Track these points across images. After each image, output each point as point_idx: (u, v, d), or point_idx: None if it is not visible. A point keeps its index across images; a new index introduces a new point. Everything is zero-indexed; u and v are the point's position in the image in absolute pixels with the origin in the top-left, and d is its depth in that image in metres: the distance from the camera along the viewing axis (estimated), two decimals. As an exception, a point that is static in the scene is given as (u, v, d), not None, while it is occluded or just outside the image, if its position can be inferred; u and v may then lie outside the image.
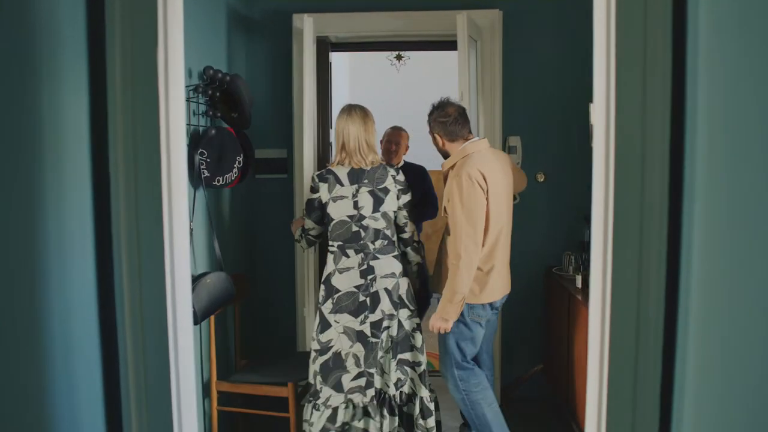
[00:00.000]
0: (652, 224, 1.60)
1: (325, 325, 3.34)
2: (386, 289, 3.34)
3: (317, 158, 4.48)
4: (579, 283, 3.73)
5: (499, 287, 3.46)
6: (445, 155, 3.48)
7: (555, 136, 4.42)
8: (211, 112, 3.58)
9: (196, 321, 3.35)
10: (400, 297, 3.37)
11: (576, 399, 3.67)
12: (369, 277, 3.33)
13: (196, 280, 3.38)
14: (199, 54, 3.60)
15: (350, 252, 3.35)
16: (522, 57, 4.37)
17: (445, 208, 3.36)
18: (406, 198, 3.42)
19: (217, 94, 3.61)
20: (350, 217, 3.33)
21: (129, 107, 1.72)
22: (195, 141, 3.46)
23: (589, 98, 4.08)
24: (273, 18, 4.41)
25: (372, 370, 3.36)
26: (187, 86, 3.37)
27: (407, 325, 3.39)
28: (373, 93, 8.23)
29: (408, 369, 3.43)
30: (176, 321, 1.72)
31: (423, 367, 3.43)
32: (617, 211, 1.61)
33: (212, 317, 3.56)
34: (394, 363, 3.39)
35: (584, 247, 4.14)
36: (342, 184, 3.35)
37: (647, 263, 1.62)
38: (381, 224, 3.35)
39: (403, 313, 3.39)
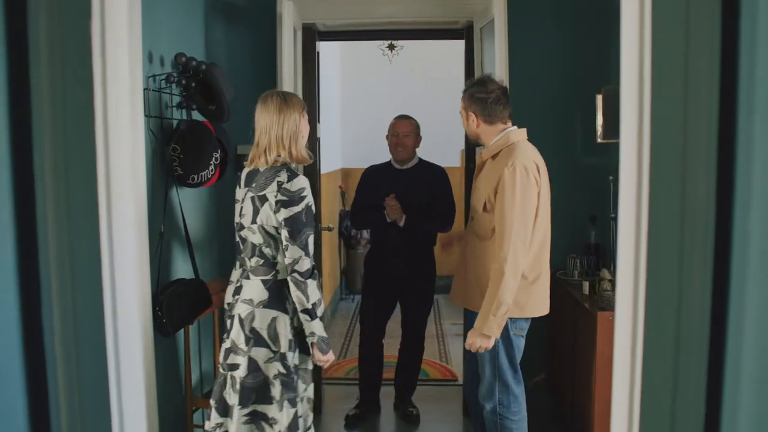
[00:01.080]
0: (695, 234, 1.30)
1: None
2: (239, 317, 2.74)
3: (304, 154, 4.17)
4: (586, 290, 3.44)
5: (545, 299, 3.01)
6: (475, 139, 3.09)
7: (557, 132, 4.12)
8: (185, 104, 3.28)
9: (168, 333, 3.06)
10: (254, 331, 2.71)
11: (582, 410, 3.39)
12: (235, 297, 2.80)
13: (168, 288, 3.08)
14: (173, 40, 3.30)
15: (237, 264, 2.88)
16: (522, 48, 4.07)
17: (485, 204, 2.92)
18: (287, 213, 2.66)
19: (192, 84, 3.30)
20: (236, 224, 2.86)
21: (57, 94, 1.41)
22: (168, 136, 3.16)
23: (596, 90, 3.84)
24: (256, 3, 4.11)
25: (214, 402, 2.83)
26: (157, 75, 3.07)
27: (267, 370, 2.73)
28: (365, 84, 7.96)
29: (266, 427, 2.76)
30: (118, 352, 1.42)
31: (279, 429, 2.76)
32: (653, 220, 1.31)
33: (188, 327, 3.26)
34: (243, 413, 2.73)
35: (590, 250, 3.85)
36: (239, 186, 2.89)
37: (689, 278, 1.33)
38: (257, 239, 2.74)
39: (260, 354, 2.71)
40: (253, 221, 2.74)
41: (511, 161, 2.81)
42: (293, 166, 2.82)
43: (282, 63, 3.60)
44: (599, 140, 3.65)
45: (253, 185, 2.77)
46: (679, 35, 1.26)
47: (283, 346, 2.74)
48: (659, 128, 1.31)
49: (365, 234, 7.26)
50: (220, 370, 2.83)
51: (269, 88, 3.97)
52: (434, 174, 4.18)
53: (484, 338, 2.85)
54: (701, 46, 1.24)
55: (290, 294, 2.73)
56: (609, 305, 3.11)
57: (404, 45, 6.88)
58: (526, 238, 2.79)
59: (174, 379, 3.30)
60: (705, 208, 1.29)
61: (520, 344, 3.01)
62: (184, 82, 3.23)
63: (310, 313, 2.70)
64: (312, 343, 2.75)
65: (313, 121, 4.26)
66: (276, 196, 2.69)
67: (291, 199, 2.67)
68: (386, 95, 7.60)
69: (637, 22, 1.33)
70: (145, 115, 2.97)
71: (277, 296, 2.74)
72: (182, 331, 3.27)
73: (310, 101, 4.21)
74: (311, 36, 4.18)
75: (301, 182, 2.71)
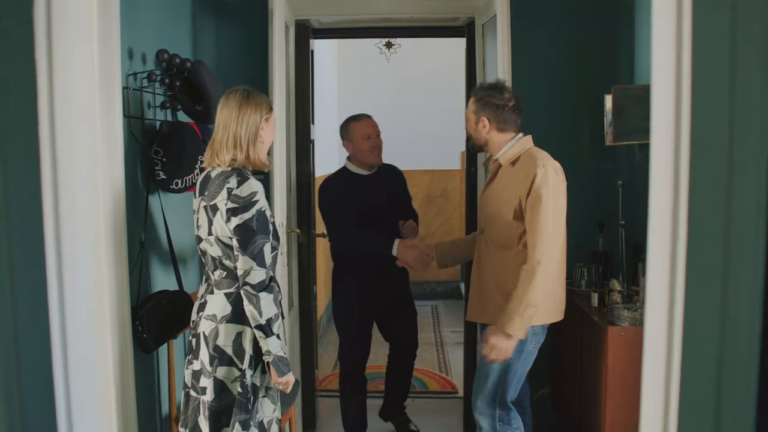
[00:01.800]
0: (742, 244, 1.11)
1: None
2: (204, 335, 2.53)
3: (296, 159, 3.99)
4: (595, 302, 3.23)
5: (563, 303, 2.92)
6: (481, 145, 2.95)
7: (562, 133, 3.92)
8: (169, 104, 3.08)
9: (149, 349, 2.86)
10: (218, 349, 2.50)
11: (590, 429, 3.19)
12: (199, 314, 2.58)
13: (149, 301, 2.88)
14: (157, 36, 3.10)
15: (203, 278, 2.65)
16: (526, 45, 3.87)
17: (513, 211, 2.77)
18: (237, 221, 2.43)
19: (177, 83, 3.11)
20: (195, 237, 2.62)
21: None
22: (151, 138, 2.96)
23: (604, 89, 3.65)
24: (247, -2, 3.92)
25: (186, 431, 2.61)
26: (138, 73, 2.88)
27: (234, 390, 2.52)
28: (362, 84, 7.77)
29: None
30: (69, 388, 1.22)
31: None
32: (693, 230, 1.11)
33: (171, 342, 3.06)
34: None
35: (597, 258, 3.65)
36: (195, 196, 2.64)
37: (736, 292, 1.13)
38: (216, 251, 2.52)
39: (226, 373, 2.50)
40: (209, 233, 2.53)
41: (542, 162, 2.72)
42: (249, 170, 2.60)
43: (273, 62, 3.40)
44: (608, 143, 3.46)
45: (206, 193, 2.55)
46: (723, 21, 1.06)
47: (245, 363, 2.53)
48: (701, 128, 1.11)
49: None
50: (192, 393, 2.61)
51: (261, 89, 3.82)
52: (395, 174, 3.92)
53: (506, 337, 2.67)
54: (750, 33, 1.05)
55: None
56: (620, 319, 2.91)
57: (402, 43, 6.71)
58: (560, 240, 2.71)
59: (156, 398, 3.10)
60: (755, 216, 1.09)
61: (532, 360, 2.87)
62: (167, 80, 3.04)
63: (264, 329, 2.45)
64: (268, 363, 2.53)
65: (307, 122, 4.07)
66: (226, 204, 2.45)
67: (241, 205, 2.44)
68: (383, 96, 7.42)
69: (674, 8, 1.13)
70: (125, 116, 2.78)
71: (242, 309, 2.52)
72: (166, 345, 3.07)
73: (304, 102, 4.03)
74: (304, 33, 3.99)
75: (252, 186, 2.47)
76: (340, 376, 3.93)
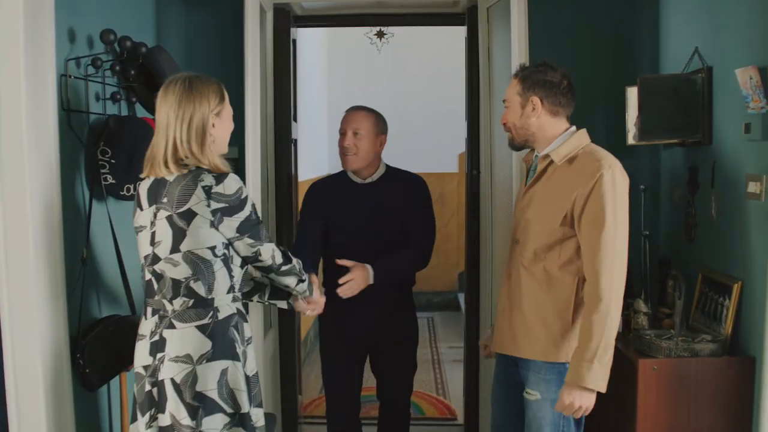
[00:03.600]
0: None
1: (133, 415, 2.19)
2: (173, 382, 2.03)
3: (275, 159, 3.54)
4: (619, 326, 2.77)
5: None
6: (525, 137, 2.38)
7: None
8: (120, 96, 2.64)
9: (93, 386, 2.41)
10: (200, 396, 2.03)
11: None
12: (158, 356, 2.07)
13: (93, 329, 2.44)
14: (111, 17, 2.66)
15: (147, 312, 2.15)
16: (536, 33, 3.42)
17: (570, 214, 2.23)
18: (236, 221, 2.06)
19: (132, 71, 2.67)
20: (146, 257, 2.13)
21: None
22: (97, 135, 2.51)
23: (625, 81, 3.22)
24: (220, -20, 3.47)
25: None
26: (81, 57, 2.43)
27: None
28: (354, 78, 7.37)
29: None
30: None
31: None
32: None
33: (123, 377, 2.61)
34: None
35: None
36: (141, 207, 2.16)
37: None
38: (182, 272, 2.05)
39: (216, 423, 2.05)
40: (175, 249, 2.04)
41: (608, 163, 2.20)
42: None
43: (246, 51, 2.96)
44: (630, 142, 3.01)
45: (164, 201, 2.07)
46: None
47: (244, 404, 2.09)
48: None
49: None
50: None
51: (235, 80, 3.35)
52: (409, 187, 3.02)
53: (588, 394, 2.12)
54: None
55: (240, 332, 2.14)
56: (652, 350, 2.46)
57: (395, 32, 6.27)
58: (626, 257, 2.18)
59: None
60: None
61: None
62: (118, 68, 2.59)
63: (302, 280, 2.38)
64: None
65: (287, 119, 3.62)
66: (209, 205, 2.02)
67: (231, 204, 2.05)
68: (374, 91, 7.01)
69: None
70: (63, 109, 2.33)
71: (224, 341, 2.07)
72: (117, 380, 2.62)
73: (284, 97, 3.58)
74: (284, 19, 3.55)
75: (234, 182, 2.07)
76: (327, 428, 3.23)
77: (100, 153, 2.48)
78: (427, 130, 7.38)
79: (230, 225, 2.06)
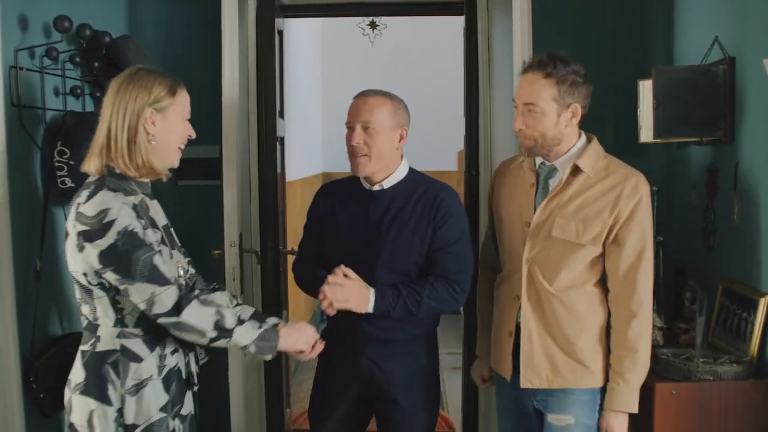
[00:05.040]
0: None
1: None
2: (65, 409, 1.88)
3: (257, 159, 3.31)
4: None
5: None
6: (549, 147, 2.10)
7: (585, 127, 3.21)
8: (81, 91, 2.40)
9: (47, 412, 2.18)
10: (71, 427, 1.83)
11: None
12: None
13: (49, 349, 2.21)
14: (72, 4, 2.41)
15: None
16: (539, 23, 3.19)
17: (610, 237, 2.08)
18: (96, 249, 1.73)
19: (96, 63, 2.43)
20: None
21: None
22: (54, 134, 2.28)
23: (637, 74, 2.98)
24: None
25: None
26: (35, 46, 2.20)
27: None
28: (348, 72, 7.18)
29: None
30: None
31: None
32: None
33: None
34: None
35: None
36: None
37: None
38: (78, 294, 1.86)
39: None
40: (72, 267, 1.82)
41: (641, 179, 2.13)
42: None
43: (224, 40, 2.73)
44: (643, 139, 2.78)
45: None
46: None
47: None
48: None
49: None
50: None
51: (213, 74, 3.13)
52: (433, 199, 2.30)
53: (622, 418, 2.10)
54: None
55: (120, 373, 1.80)
56: (669, 372, 2.22)
57: (389, 23, 6.06)
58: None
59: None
60: None
61: None
62: (78, 59, 2.35)
63: (220, 336, 1.83)
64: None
65: (272, 116, 3.38)
66: (75, 226, 1.75)
67: (92, 228, 1.73)
68: (370, 84, 6.81)
69: None
70: (12, 104, 2.09)
71: (96, 376, 1.80)
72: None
73: (268, 92, 3.34)
74: (269, 8, 3.30)
75: (104, 201, 1.74)
76: None
77: (57, 154, 2.25)
78: (425, 126, 7.15)
79: (91, 253, 1.74)
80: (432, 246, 2.25)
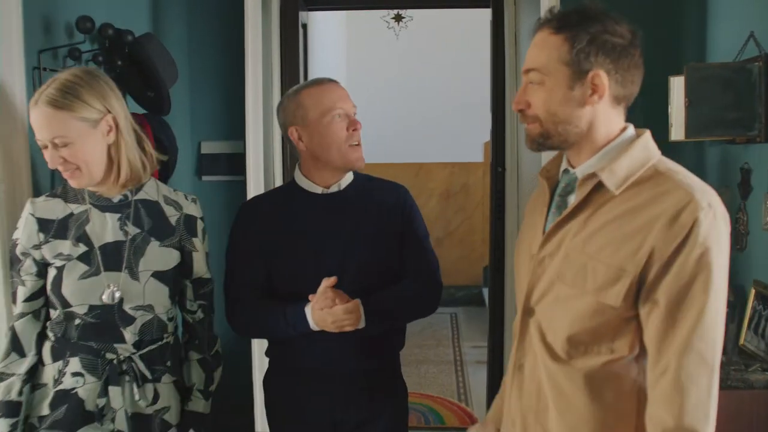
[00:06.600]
0: None
1: None
2: None
3: (283, 154, 3.29)
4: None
5: None
6: (563, 132, 1.40)
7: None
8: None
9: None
10: None
11: None
12: None
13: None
14: (99, 5, 2.41)
15: None
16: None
17: (644, 289, 1.30)
18: None
19: (119, 62, 2.42)
20: None
21: None
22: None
23: (668, 70, 2.91)
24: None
25: None
26: (58, 47, 2.19)
27: None
28: (372, 65, 7.19)
29: None
30: None
31: None
32: None
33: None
34: None
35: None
36: None
37: None
38: None
39: None
40: None
41: (704, 197, 1.28)
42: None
43: (246, 35, 2.71)
44: (674, 137, 2.71)
45: None
46: None
47: None
48: None
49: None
50: None
51: (237, 69, 3.12)
52: (392, 197, 2.06)
53: None
54: None
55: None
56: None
57: (414, 15, 6.01)
58: (719, 357, 1.28)
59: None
60: None
61: None
62: (101, 58, 2.34)
63: None
64: None
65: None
66: None
67: None
68: (394, 79, 6.74)
69: None
70: (35, 105, 2.09)
71: None
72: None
73: (292, 86, 3.32)
74: (293, 2, 3.28)
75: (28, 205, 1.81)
76: None
77: (80, 154, 2.24)
78: (451, 118, 7.17)
79: None
80: (405, 245, 2.02)
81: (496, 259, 3.51)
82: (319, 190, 1.98)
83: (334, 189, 1.99)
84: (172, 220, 1.87)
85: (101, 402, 1.75)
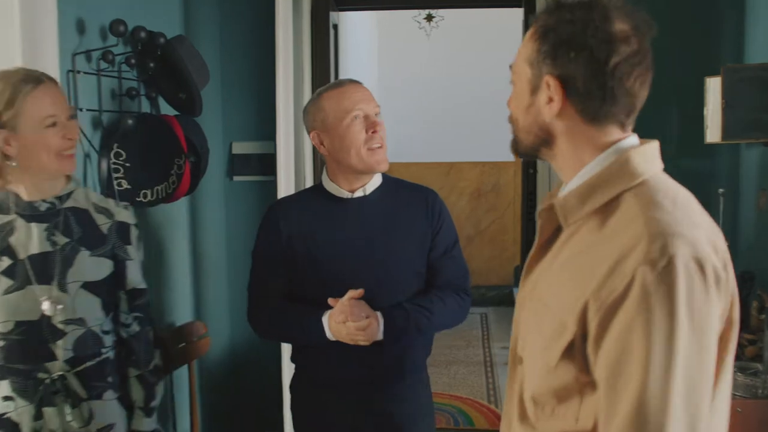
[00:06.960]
0: None
1: None
2: None
3: (313, 155, 3.30)
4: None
5: None
6: (532, 140, 1.18)
7: (649, 127, 3.08)
8: (136, 93, 2.41)
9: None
10: None
11: None
12: None
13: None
14: (128, 6, 2.43)
15: None
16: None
17: (580, 338, 1.03)
18: None
19: (151, 64, 2.44)
20: None
21: None
22: (110, 136, 2.30)
23: (704, 71, 2.85)
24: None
25: None
26: (92, 50, 2.21)
27: None
28: (404, 65, 7.14)
29: None
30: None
31: None
32: None
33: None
34: None
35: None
36: None
37: None
38: None
39: None
40: None
41: (659, 244, 0.96)
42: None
43: (277, 35, 2.71)
44: (709, 140, 2.66)
45: None
46: None
47: None
48: None
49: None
50: None
51: (268, 70, 3.12)
52: (420, 203, 1.97)
53: None
54: None
55: None
56: (734, 387, 2.11)
57: (445, 15, 5.98)
58: (704, 415, 0.97)
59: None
60: None
61: None
62: (134, 61, 2.36)
63: None
64: None
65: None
66: None
67: None
68: (426, 78, 6.69)
69: None
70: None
71: None
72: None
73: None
74: (324, 2, 3.27)
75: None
76: None
77: (113, 156, 2.27)
78: (482, 117, 7.10)
79: None
80: (433, 252, 1.94)
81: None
82: (344, 194, 1.92)
83: (359, 194, 1.92)
84: (104, 228, 1.76)
85: (38, 425, 1.67)
